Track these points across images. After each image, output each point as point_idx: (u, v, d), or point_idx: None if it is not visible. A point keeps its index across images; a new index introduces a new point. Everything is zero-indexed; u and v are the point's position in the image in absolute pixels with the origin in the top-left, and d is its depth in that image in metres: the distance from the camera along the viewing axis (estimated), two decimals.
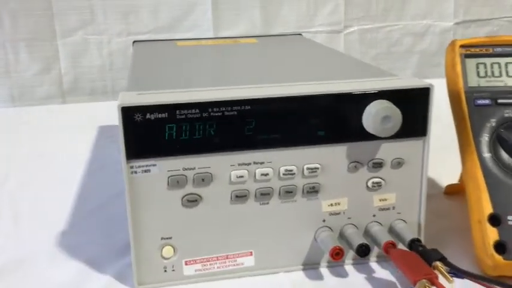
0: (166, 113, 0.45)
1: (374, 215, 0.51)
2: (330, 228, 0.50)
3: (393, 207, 0.51)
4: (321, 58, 0.68)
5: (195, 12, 1.23)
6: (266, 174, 0.48)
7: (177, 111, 0.45)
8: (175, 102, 0.45)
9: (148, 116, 0.44)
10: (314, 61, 0.65)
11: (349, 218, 0.51)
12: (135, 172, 0.46)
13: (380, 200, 0.51)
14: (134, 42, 0.84)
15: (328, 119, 0.48)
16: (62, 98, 1.20)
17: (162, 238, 0.48)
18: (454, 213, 0.61)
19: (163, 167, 0.46)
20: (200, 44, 0.79)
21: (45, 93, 1.18)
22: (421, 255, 0.46)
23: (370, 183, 0.50)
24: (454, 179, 0.66)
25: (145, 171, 0.46)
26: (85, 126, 0.96)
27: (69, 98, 1.19)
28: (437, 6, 1.40)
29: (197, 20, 1.23)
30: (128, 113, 0.44)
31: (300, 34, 0.95)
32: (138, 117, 0.44)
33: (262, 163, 0.48)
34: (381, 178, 0.50)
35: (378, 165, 0.49)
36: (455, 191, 0.65)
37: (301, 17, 1.33)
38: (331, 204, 0.50)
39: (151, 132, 0.45)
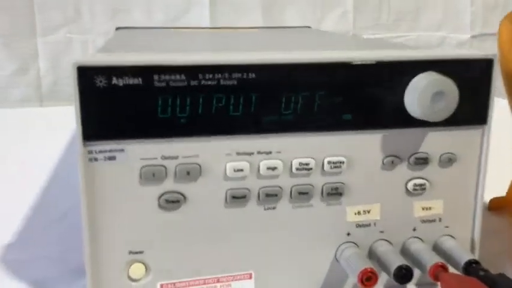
0: (141, 79, 0.33)
1: (414, 229, 0.39)
2: (356, 244, 0.38)
3: (439, 219, 0.39)
4: (342, 40, 0.56)
5: (191, 12, 1.12)
6: (274, 168, 0.36)
7: (156, 77, 0.33)
8: (153, 64, 0.33)
9: (115, 81, 0.32)
10: (334, 41, 0.53)
11: (381, 232, 0.38)
12: (95, 159, 0.33)
13: (423, 209, 0.38)
14: (117, 28, 0.72)
15: (357, 97, 0.35)
16: (40, 102, 1.07)
17: (130, 252, 0.35)
18: (503, 231, 0.49)
19: (135, 153, 0.34)
20: (197, 31, 0.68)
21: (21, 95, 1.06)
22: (485, 282, 0.33)
23: (410, 186, 0.38)
24: (500, 191, 0.53)
25: (110, 158, 0.34)
26: (61, 132, 0.84)
27: (47, 101, 1.07)
28: (453, 16, 1.30)
29: (193, 20, 1.12)
30: (86, 75, 0.32)
31: (309, 27, 0.84)
32: (101, 82, 0.32)
33: (268, 153, 0.35)
34: (425, 179, 0.38)
35: (422, 161, 0.37)
36: (502, 206, 0.53)
37: (306, 23, 1.21)
38: (359, 212, 0.38)
39: (119, 105, 0.33)
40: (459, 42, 1.31)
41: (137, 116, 0.33)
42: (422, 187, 0.38)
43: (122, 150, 0.34)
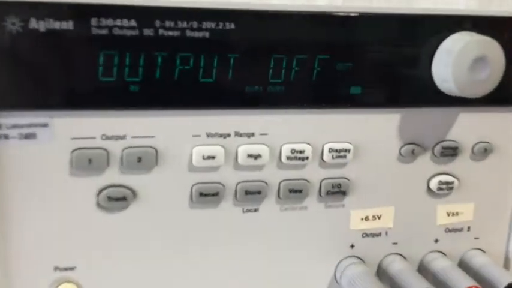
0: (72, 22, 0.23)
1: (436, 240, 0.30)
2: (361, 259, 0.29)
3: (468, 228, 0.30)
4: None
5: None
6: (257, 156, 0.26)
7: (94, 21, 0.23)
8: (91, 2, 0.23)
9: (34, 24, 0.22)
10: None
11: (394, 244, 0.29)
12: (5, 137, 0.24)
13: (448, 214, 0.30)
14: None
15: (369, 63, 0.26)
16: None
17: (56, 268, 0.26)
18: None
19: (64, 130, 0.24)
20: None
21: None
22: None
23: (434, 184, 0.29)
24: None
25: (27, 136, 0.24)
26: None
27: None
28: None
29: None
30: None
31: None
32: (14, 24, 0.22)
33: (250, 135, 0.26)
34: (453, 175, 0.29)
35: (451, 152, 0.29)
36: None
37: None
38: (367, 218, 0.29)
39: (41, 59, 0.23)
40: None
41: (67, 77, 0.23)
42: (449, 186, 0.29)
43: (45, 125, 0.24)
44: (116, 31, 0.23)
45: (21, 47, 0.23)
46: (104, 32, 0.23)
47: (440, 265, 0.29)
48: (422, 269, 0.30)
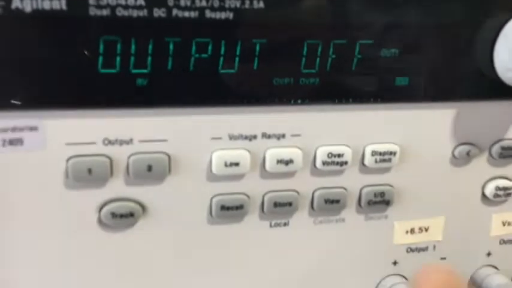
0: (66, 0, 0.18)
1: (489, 253, 0.26)
2: (405, 278, 0.25)
3: None
4: None
5: None
6: (288, 162, 0.22)
7: (97, 3, 0.18)
8: None
9: (18, 3, 0.18)
10: None
11: (443, 259, 0.25)
12: None
13: (503, 224, 0.26)
14: None
15: (419, 50, 0.22)
16: None
17: None
18: None
19: (57, 134, 0.20)
20: None
21: None
22: None
23: (490, 189, 0.25)
24: None
25: (12, 142, 0.19)
26: None
27: None
28: None
29: None
30: None
31: None
32: (2, 5, 0.18)
33: (280, 136, 0.22)
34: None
35: (511, 152, 0.24)
36: None
37: None
38: (413, 230, 0.25)
39: (29, 47, 0.18)
40: None
41: (59, 69, 0.19)
42: (506, 192, 0.25)
43: (35, 128, 0.20)
44: (120, 11, 0.19)
45: (3, 33, 0.18)
46: (105, 12, 0.19)
47: (496, 282, 0.25)
48: (474, 286, 0.26)
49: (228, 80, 0.21)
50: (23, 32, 0.18)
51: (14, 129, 0.19)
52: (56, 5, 0.18)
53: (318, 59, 0.22)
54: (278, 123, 0.22)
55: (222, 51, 0.21)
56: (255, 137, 0.22)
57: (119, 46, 0.20)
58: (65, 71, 0.19)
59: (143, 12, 0.19)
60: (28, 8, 0.18)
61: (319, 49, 0.22)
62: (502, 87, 0.23)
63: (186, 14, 0.20)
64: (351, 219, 0.24)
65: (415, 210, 0.25)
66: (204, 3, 0.20)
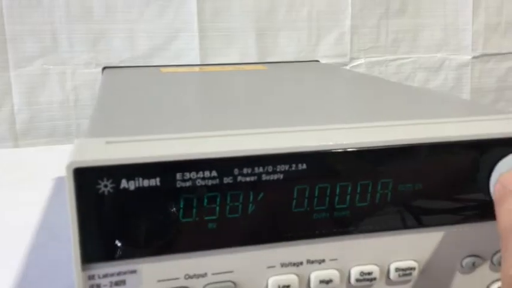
0: (159, 179, 0.24)
1: None
2: None
3: None
4: (382, 90, 0.47)
5: (179, 40, 1.03)
6: (328, 281, 0.28)
7: (179, 176, 0.24)
8: (178, 159, 0.24)
9: (124, 184, 0.24)
10: (376, 95, 0.45)
11: None
12: (97, 286, 0.25)
13: None
14: (104, 68, 0.63)
15: (433, 185, 0.28)
16: (14, 141, 0.98)
17: None
18: None
19: (151, 274, 0.25)
20: (194, 71, 0.60)
21: None
22: None
23: None
24: None
25: (117, 283, 0.25)
26: (40, 177, 0.74)
27: (22, 140, 0.97)
28: (453, 37, 1.24)
29: (181, 49, 1.03)
30: (86, 179, 0.23)
31: (317, 61, 0.77)
32: (106, 186, 0.24)
33: (321, 261, 0.27)
34: None
35: None
36: None
37: (301, 47, 1.14)
38: None
39: (130, 214, 0.24)
40: (460, 64, 1.26)
41: (153, 226, 0.25)
42: None
43: (134, 271, 0.25)
44: (198, 182, 0.25)
45: (113, 206, 0.24)
46: (188, 184, 0.25)
47: None
48: None
49: (293, 217, 0.27)
50: (127, 204, 0.24)
51: (119, 274, 0.25)
52: (153, 183, 0.24)
53: (348, 196, 0.27)
54: (319, 251, 0.28)
55: (274, 199, 0.26)
56: (301, 263, 0.28)
57: (195, 201, 0.25)
58: (156, 228, 0.25)
59: (215, 181, 0.25)
60: (132, 187, 0.24)
61: (349, 189, 0.27)
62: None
63: (248, 178, 0.26)
64: None
65: None
66: (261, 169, 0.26)
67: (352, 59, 1.19)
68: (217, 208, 0.26)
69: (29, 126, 0.98)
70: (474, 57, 1.26)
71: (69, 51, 0.99)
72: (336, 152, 0.26)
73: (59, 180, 0.73)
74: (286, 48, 1.13)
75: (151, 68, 0.63)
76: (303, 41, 1.14)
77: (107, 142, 0.25)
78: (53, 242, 0.54)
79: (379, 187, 0.28)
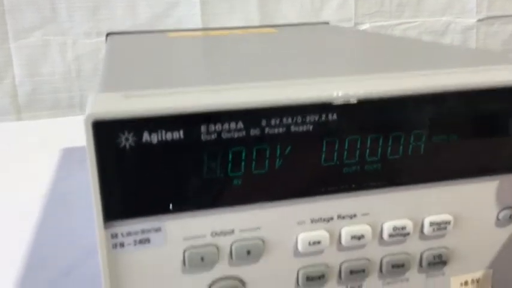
0: (183, 131, 0.23)
1: None
2: None
3: None
4: (403, 44, 0.45)
5: (180, 7, 1.01)
6: (360, 237, 0.26)
7: (204, 128, 0.23)
8: (202, 110, 0.23)
9: (147, 137, 0.22)
10: (399, 49, 0.43)
11: None
12: (121, 245, 0.24)
13: None
14: (108, 35, 0.61)
15: (465, 137, 0.26)
16: (17, 114, 0.96)
17: None
18: None
19: (176, 232, 0.24)
20: (203, 35, 0.58)
21: None
22: None
23: None
24: None
25: (142, 241, 0.24)
26: (46, 149, 0.73)
27: (25, 113, 0.96)
28: (457, 0, 1.21)
29: (183, 16, 1.01)
30: (107, 132, 0.22)
31: (327, 23, 0.74)
32: (128, 140, 0.22)
33: (353, 216, 0.26)
34: None
35: None
36: None
37: (305, 12, 1.12)
38: (466, 283, 0.29)
39: (153, 169, 0.23)
40: (465, 27, 1.23)
41: (176, 181, 0.24)
42: None
43: (159, 229, 0.24)
44: (224, 135, 0.24)
45: (135, 161, 0.23)
46: (213, 137, 0.23)
47: None
48: None
49: (323, 170, 0.25)
50: (149, 158, 0.23)
51: (143, 232, 0.24)
52: (176, 136, 0.23)
53: (379, 149, 0.26)
54: (350, 205, 0.26)
55: (304, 153, 0.25)
56: (332, 219, 0.26)
57: (219, 157, 0.24)
58: (180, 183, 0.24)
59: (242, 133, 0.24)
60: (154, 140, 0.23)
61: (380, 140, 0.26)
62: None
63: (276, 130, 0.24)
64: (414, 278, 0.28)
65: (467, 266, 0.29)
66: (289, 120, 0.24)
67: (356, 23, 1.16)
68: (244, 163, 0.24)
69: (32, 98, 0.96)
70: (479, 20, 1.24)
71: (69, 21, 0.97)
72: (366, 102, 0.25)
73: (66, 152, 0.71)
74: (289, 14, 1.10)
75: (157, 33, 0.61)
76: (307, 6, 1.11)
77: (125, 96, 0.24)
78: (64, 208, 0.53)
79: (411, 139, 0.26)
